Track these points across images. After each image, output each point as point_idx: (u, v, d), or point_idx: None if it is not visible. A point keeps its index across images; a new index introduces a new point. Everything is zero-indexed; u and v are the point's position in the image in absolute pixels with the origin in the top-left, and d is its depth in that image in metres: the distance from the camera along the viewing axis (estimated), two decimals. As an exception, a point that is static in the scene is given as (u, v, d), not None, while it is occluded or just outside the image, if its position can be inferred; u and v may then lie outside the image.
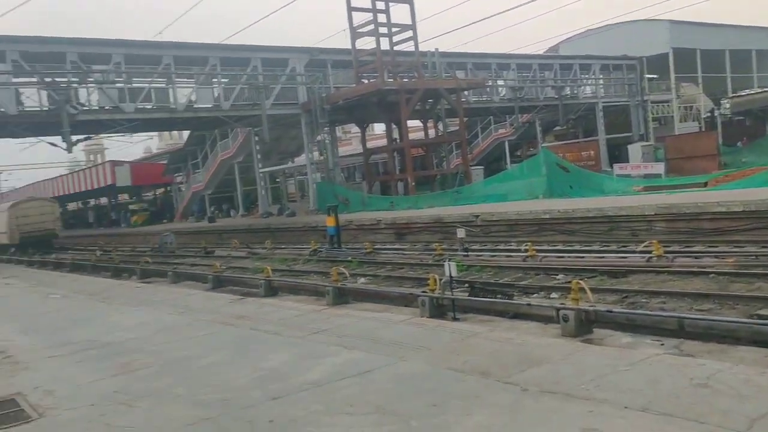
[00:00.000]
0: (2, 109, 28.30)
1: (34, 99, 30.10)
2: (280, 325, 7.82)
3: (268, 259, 21.76)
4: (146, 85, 32.90)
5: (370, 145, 42.06)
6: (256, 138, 39.68)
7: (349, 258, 18.04)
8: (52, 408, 5.26)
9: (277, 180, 47.20)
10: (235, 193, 45.64)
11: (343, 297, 10.04)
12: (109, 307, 11.10)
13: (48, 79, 28.29)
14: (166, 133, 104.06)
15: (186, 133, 50.14)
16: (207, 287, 14.41)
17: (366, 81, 36.52)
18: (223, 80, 35.10)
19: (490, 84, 41.95)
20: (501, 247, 17.62)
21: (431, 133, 38.66)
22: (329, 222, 21.30)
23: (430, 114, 37.65)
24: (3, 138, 33.28)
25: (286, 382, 5.39)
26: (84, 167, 69.85)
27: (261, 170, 40.63)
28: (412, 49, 35.99)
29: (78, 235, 50.10)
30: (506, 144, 47.80)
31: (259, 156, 40.20)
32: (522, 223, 20.41)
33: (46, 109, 29.31)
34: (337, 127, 42.95)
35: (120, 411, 5.03)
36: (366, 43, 36.37)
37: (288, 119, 37.76)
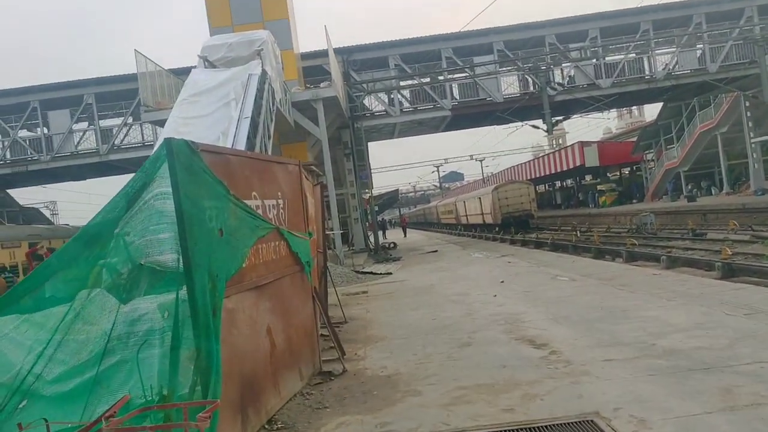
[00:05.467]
0: (489, 98, 30.38)
1: (515, 86, 31.55)
2: None
3: (786, 244, 17.48)
4: (621, 57, 31.15)
5: None
6: (747, 103, 33.91)
7: None
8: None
9: (775, 150, 39.61)
10: (716, 169, 40.21)
11: None
12: (633, 296, 9.57)
13: (528, 65, 29.06)
14: (626, 113, 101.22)
15: (653, 110, 46.49)
16: (714, 275, 12.19)
17: None
18: (708, 39, 30.72)
19: None
20: None
21: None
22: None
23: None
24: (489, 125, 36.06)
25: None
26: (552, 150, 72.50)
27: (753, 140, 34.47)
28: None
29: (548, 215, 51.81)
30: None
31: (750, 124, 34.24)
32: None
33: (527, 93, 30.30)
34: None
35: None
36: None
37: (794, 74, 30.94)
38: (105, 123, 32.33)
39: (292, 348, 6.15)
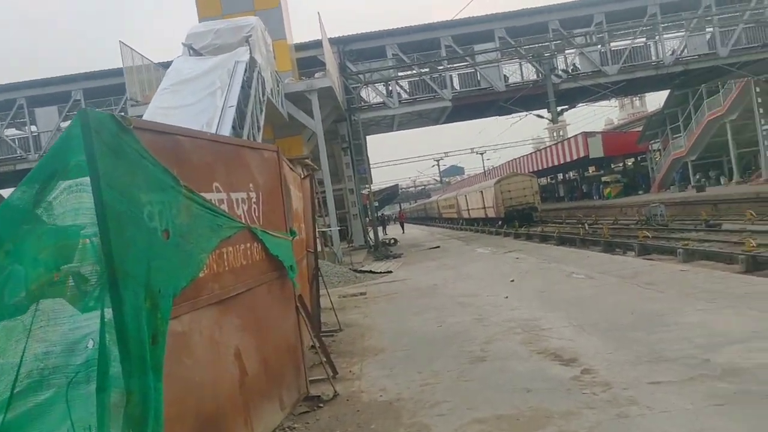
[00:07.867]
0: (491, 87, 29.24)
1: (517, 74, 30.41)
2: None
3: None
4: (628, 42, 30.04)
5: None
6: (758, 89, 32.76)
7: None
8: None
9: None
10: (725, 158, 39.07)
11: None
12: (664, 296, 8.46)
13: (531, 53, 27.95)
14: (627, 103, 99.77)
15: (655, 100, 45.32)
16: (737, 269, 11.29)
17: None
18: (718, 22, 29.54)
19: None
20: None
21: None
22: None
23: None
24: (492, 116, 34.93)
25: None
26: (553, 142, 71.37)
27: (764, 127, 33.39)
28: None
29: (552, 208, 50.69)
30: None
31: (761, 110, 33.13)
32: None
33: (531, 81, 29.17)
34: None
35: None
36: None
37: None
38: (95, 120, 31.22)
39: (270, 371, 5.06)
